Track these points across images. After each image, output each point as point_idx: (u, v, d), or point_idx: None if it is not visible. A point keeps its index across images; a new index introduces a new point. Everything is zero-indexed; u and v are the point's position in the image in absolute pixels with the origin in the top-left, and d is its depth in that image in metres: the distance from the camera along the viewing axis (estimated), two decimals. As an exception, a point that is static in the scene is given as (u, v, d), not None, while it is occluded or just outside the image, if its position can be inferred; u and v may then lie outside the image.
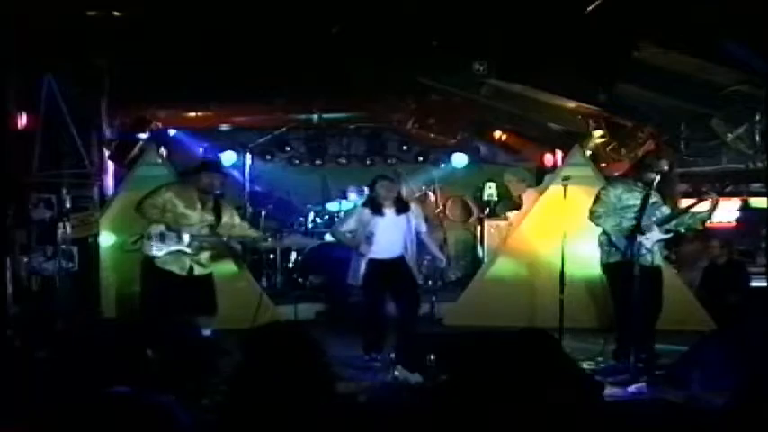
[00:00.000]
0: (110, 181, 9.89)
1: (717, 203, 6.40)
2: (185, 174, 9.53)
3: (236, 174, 11.24)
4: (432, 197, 11.68)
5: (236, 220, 6.98)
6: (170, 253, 6.55)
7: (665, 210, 6.44)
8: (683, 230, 6.65)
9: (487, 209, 11.98)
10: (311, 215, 10.91)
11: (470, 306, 8.88)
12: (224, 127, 11.83)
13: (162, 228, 6.55)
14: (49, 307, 7.07)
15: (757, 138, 8.05)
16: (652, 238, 6.34)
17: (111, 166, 9.95)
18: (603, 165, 9.83)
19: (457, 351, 5.53)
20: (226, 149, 11.37)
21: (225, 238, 6.82)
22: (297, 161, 12.30)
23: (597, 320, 8.08)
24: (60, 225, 7.21)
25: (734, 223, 10.21)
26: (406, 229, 6.88)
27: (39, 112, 7.25)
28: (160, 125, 10.78)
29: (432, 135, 12.00)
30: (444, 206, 12.07)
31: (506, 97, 9.78)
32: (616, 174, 8.62)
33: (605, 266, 6.59)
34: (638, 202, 6.39)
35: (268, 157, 11.96)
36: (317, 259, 10.21)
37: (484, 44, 8.24)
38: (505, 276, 9.00)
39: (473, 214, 12.49)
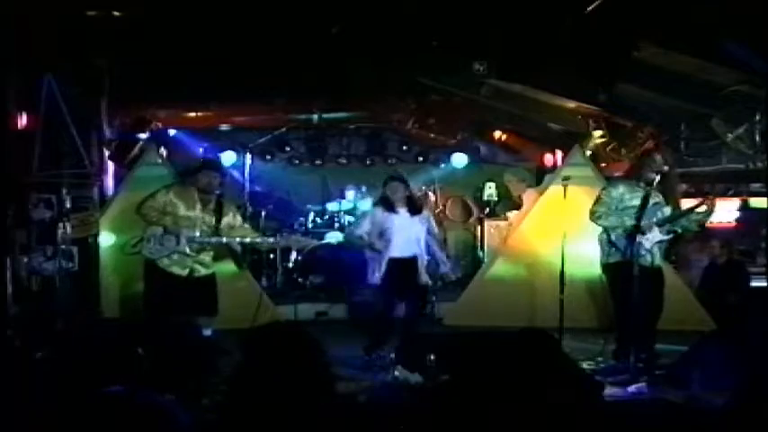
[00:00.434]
0: (110, 181, 9.89)
1: (713, 205, 6.39)
2: (184, 174, 9.55)
3: (236, 174, 11.25)
4: (432, 197, 11.69)
5: (238, 219, 6.96)
6: (170, 254, 6.54)
7: (667, 210, 6.43)
8: (679, 231, 6.64)
9: (487, 209, 11.99)
10: (311, 215, 10.91)
11: (470, 306, 8.88)
12: (224, 127, 11.83)
13: (160, 229, 6.54)
14: (49, 307, 7.07)
15: (757, 138, 8.05)
16: (652, 239, 6.34)
17: (111, 166, 9.96)
18: (603, 165, 9.83)
19: (457, 351, 5.53)
20: (226, 149, 11.37)
21: (225, 239, 6.79)
22: (297, 161, 12.30)
23: (597, 320, 8.08)
24: (60, 225, 7.20)
25: (734, 223, 10.20)
26: (419, 229, 6.90)
27: (39, 112, 7.24)
28: (160, 125, 10.78)
29: (432, 135, 12.00)
30: (444, 206, 12.08)
31: (506, 97, 9.78)
32: (616, 174, 8.63)
33: (605, 266, 6.59)
34: (639, 202, 6.39)
35: (268, 157, 11.97)
36: (317, 259, 10.21)
37: (484, 44, 8.24)
38: (505, 276, 9.00)
39: (473, 214, 12.49)
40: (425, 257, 6.95)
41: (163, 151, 10.19)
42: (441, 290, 8.68)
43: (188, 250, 6.55)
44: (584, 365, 6.28)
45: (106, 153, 9.48)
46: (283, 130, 11.82)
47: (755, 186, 9.86)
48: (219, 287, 6.91)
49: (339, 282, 9.65)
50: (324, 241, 10.45)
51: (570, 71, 8.32)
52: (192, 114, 10.81)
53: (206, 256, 6.73)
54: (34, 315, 6.91)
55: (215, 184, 6.73)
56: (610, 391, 5.56)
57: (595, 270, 6.81)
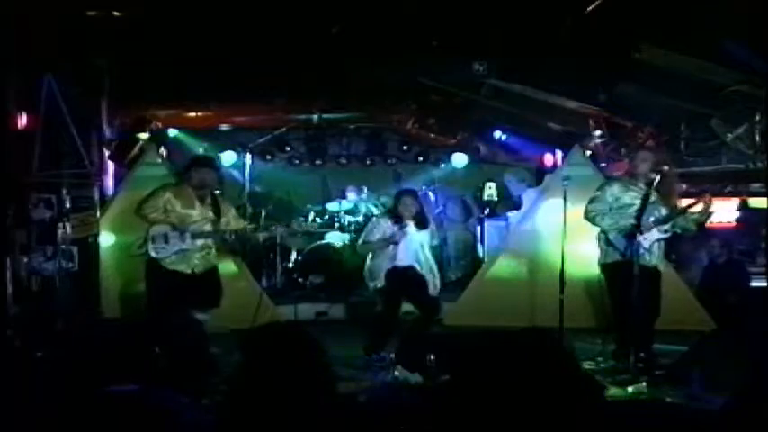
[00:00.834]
0: (110, 181, 9.89)
1: (710, 204, 6.39)
2: (178, 173, 9.53)
3: (236, 174, 11.26)
4: (432, 197, 11.70)
5: (232, 213, 7.08)
6: (175, 253, 6.59)
7: (664, 209, 6.43)
8: (678, 231, 6.64)
9: (487, 209, 11.98)
10: (311, 215, 10.92)
11: (470, 306, 8.88)
12: (224, 127, 11.83)
13: (165, 228, 6.59)
14: (49, 307, 7.07)
15: (757, 138, 8.04)
16: (650, 238, 6.33)
17: (111, 166, 9.96)
18: (603, 165, 9.83)
19: (459, 350, 5.53)
20: (226, 149, 11.37)
21: (226, 235, 6.90)
22: (297, 161, 12.30)
23: (597, 320, 8.07)
24: (60, 225, 7.20)
25: (734, 223, 10.20)
26: (423, 242, 7.06)
27: (39, 112, 7.24)
28: (160, 125, 10.78)
29: (432, 135, 12.00)
30: (444, 206, 12.08)
31: (506, 97, 9.77)
32: (615, 174, 8.63)
33: (603, 266, 6.59)
34: (635, 201, 6.39)
35: (268, 157, 11.97)
36: (317, 259, 10.22)
37: (484, 44, 8.23)
38: (505, 276, 9.00)
39: (473, 214, 12.49)
40: (427, 266, 7.06)
41: (163, 151, 10.19)
42: (441, 290, 8.67)
43: (192, 247, 6.61)
44: (584, 365, 6.28)
45: (106, 153, 9.48)
46: (283, 130, 11.82)
47: (755, 186, 9.85)
48: (219, 287, 6.95)
49: (339, 282, 9.66)
50: (324, 241, 10.47)
51: (570, 71, 8.32)
52: (192, 114, 10.80)
53: (209, 253, 6.80)
54: (34, 315, 6.91)
55: (208, 181, 6.79)
56: (610, 391, 5.56)
57: (595, 270, 6.81)
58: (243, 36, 7.84)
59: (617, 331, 6.54)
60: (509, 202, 11.97)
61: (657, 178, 6.27)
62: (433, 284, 7.07)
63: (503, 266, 9.11)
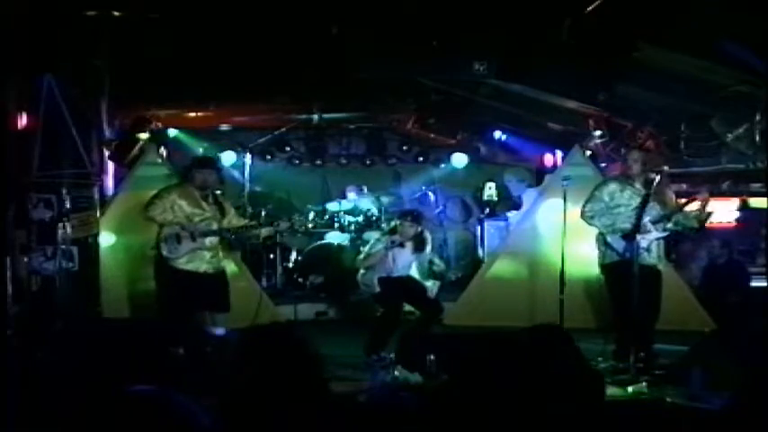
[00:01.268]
0: (110, 181, 9.89)
1: (707, 202, 6.38)
2: (179, 173, 9.52)
3: (236, 174, 11.25)
4: (432, 197, 11.71)
5: (233, 212, 7.23)
6: (187, 253, 6.68)
7: (660, 209, 6.42)
8: (680, 230, 6.63)
9: (487, 209, 11.98)
10: (311, 215, 10.91)
11: (470, 306, 8.89)
12: (224, 127, 11.83)
13: (176, 229, 6.69)
14: (49, 307, 7.07)
15: (757, 138, 8.04)
16: (648, 238, 6.33)
17: (111, 166, 9.95)
18: (603, 165, 9.83)
19: (463, 350, 5.53)
20: (226, 149, 11.37)
21: (231, 234, 7.01)
22: (297, 161, 12.30)
23: (597, 320, 8.08)
24: (60, 225, 7.20)
25: (734, 223, 10.21)
26: (420, 261, 7.28)
27: (39, 112, 7.24)
28: (160, 125, 10.78)
29: (432, 135, 12.00)
30: (444, 206, 12.08)
31: (506, 97, 9.77)
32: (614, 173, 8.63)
33: (602, 267, 6.60)
34: (631, 201, 6.40)
35: (268, 157, 11.96)
36: (317, 259, 10.22)
37: (484, 44, 8.23)
38: (505, 276, 9.01)
39: (473, 214, 12.49)
40: (423, 273, 7.30)
41: (163, 151, 10.19)
42: (441, 290, 8.68)
43: (203, 246, 6.72)
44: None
45: (106, 153, 9.48)
46: (283, 130, 11.82)
47: (755, 186, 9.85)
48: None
49: (339, 282, 9.66)
50: (324, 241, 10.46)
51: (570, 71, 8.31)
52: (192, 114, 10.80)
53: (217, 253, 6.92)
54: (34, 315, 6.91)
55: (210, 181, 6.93)
56: (610, 391, 5.56)
57: (595, 270, 6.81)
58: (243, 36, 7.84)
59: (617, 331, 6.54)
60: (509, 202, 11.97)
61: (655, 177, 6.26)
62: (432, 288, 7.13)
63: (503, 266, 9.11)
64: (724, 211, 9.97)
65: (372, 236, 8.64)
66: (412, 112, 11.35)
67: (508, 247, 9.39)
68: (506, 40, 8.04)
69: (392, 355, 6.50)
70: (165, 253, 6.69)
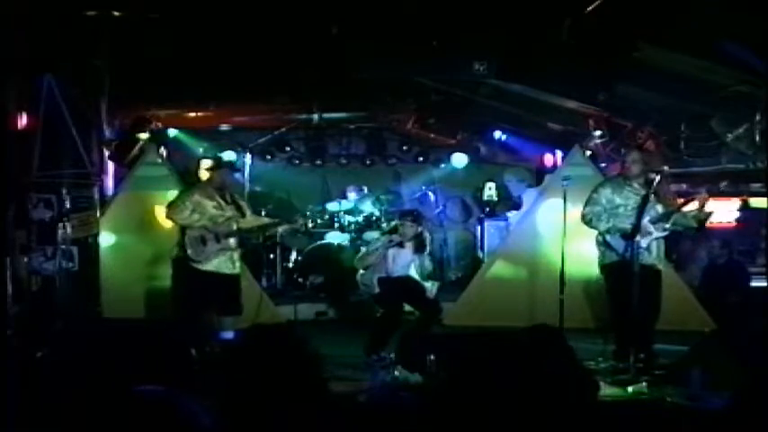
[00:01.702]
0: (110, 181, 9.89)
1: (706, 202, 6.38)
2: (185, 173, 9.54)
3: (236, 174, 11.24)
4: (432, 197, 11.71)
5: (250, 211, 7.26)
6: (212, 254, 6.73)
7: (659, 209, 6.42)
8: (680, 230, 6.63)
9: (487, 209, 11.98)
10: (311, 215, 10.90)
11: (470, 306, 8.89)
12: (224, 127, 11.82)
13: (201, 231, 6.72)
14: (49, 307, 7.07)
15: (757, 138, 8.04)
16: (647, 238, 6.32)
17: (111, 166, 9.95)
18: (603, 165, 9.83)
19: (462, 350, 5.53)
20: (226, 149, 11.37)
21: (252, 233, 7.19)
22: (297, 161, 12.29)
23: (597, 320, 8.07)
24: (60, 225, 7.20)
25: (734, 223, 10.21)
26: (420, 261, 7.25)
27: (39, 112, 7.24)
28: (160, 125, 10.78)
29: (432, 135, 12.00)
30: (444, 206, 12.08)
31: (506, 97, 9.77)
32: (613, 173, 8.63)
33: (602, 267, 6.60)
34: (628, 202, 6.40)
35: (268, 157, 11.96)
36: (317, 259, 10.21)
37: (484, 44, 8.23)
38: (505, 276, 9.01)
39: (473, 214, 12.49)
40: (422, 274, 7.23)
41: (163, 151, 10.19)
42: (441, 290, 8.68)
43: (227, 246, 6.79)
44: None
45: (106, 153, 9.48)
46: (283, 130, 11.82)
47: (755, 186, 9.85)
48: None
49: (339, 282, 9.65)
50: (324, 241, 10.46)
51: (570, 71, 8.31)
52: (192, 114, 10.80)
53: (238, 253, 6.98)
54: (34, 315, 6.91)
55: (228, 181, 7.03)
56: (610, 391, 5.56)
57: (595, 270, 6.81)
58: (243, 36, 7.84)
59: (616, 331, 6.53)
60: (509, 202, 11.97)
61: (655, 178, 6.25)
62: (429, 288, 7.13)
63: (503, 266, 9.11)
64: (724, 211, 9.96)
65: (372, 236, 8.65)
66: (412, 112, 11.34)
67: (508, 247, 9.39)
68: (506, 40, 8.05)
69: (392, 355, 6.49)
70: (190, 255, 6.71)
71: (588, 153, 9.65)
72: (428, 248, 7.29)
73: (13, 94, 7.12)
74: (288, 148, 12.15)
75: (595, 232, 6.60)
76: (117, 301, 8.19)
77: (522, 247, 9.05)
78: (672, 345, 6.67)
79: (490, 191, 12.07)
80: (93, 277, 7.71)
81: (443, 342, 6.28)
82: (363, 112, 11.47)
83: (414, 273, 7.20)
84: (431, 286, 7.20)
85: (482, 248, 11.32)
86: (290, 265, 10.49)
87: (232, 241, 6.83)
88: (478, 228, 11.71)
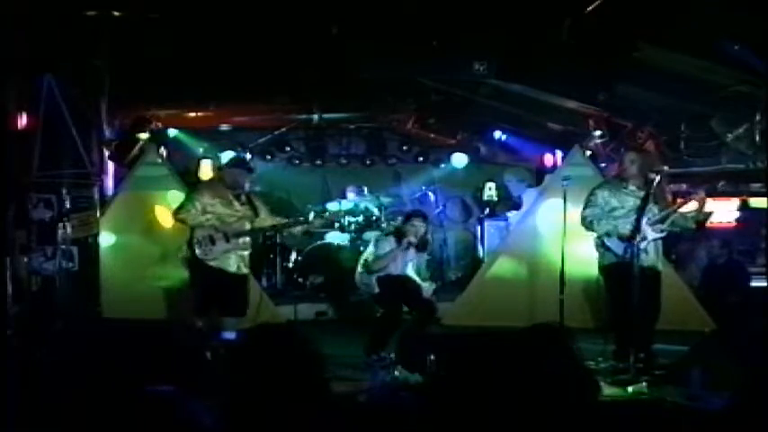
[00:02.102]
0: (110, 181, 9.89)
1: (704, 202, 6.38)
2: (185, 173, 9.54)
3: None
4: (432, 197, 11.71)
5: (267, 210, 7.21)
6: (221, 253, 6.68)
7: (657, 209, 6.41)
8: (678, 230, 6.62)
9: (487, 209, 11.98)
10: (311, 215, 10.90)
11: (470, 306, 8.88)
12: (224, 127, 11.83)
13: (210, 230, 6.67)
14: (49, 307, 7.07)
15: (757, 138, 8.04)
16: (645, 239, 6.32)
17: (111, 166, 9.95)
18: (603, 165, 9.83)
19: (462, 350, 5.52)
20: (226, 149, 11.37)
21: (269, 233, 7.03)
22: (297, 161, 12.30)
23: (597, 320, 8.07)
24: (60, 225, 7.20)
25: (734, 223, 10.21)
26: (417, 261, 7.30)
27: (39, 112, 7.24)
28: (160, 125, 10.78)
29: (432, 135, 12.00)
30: (444, 206, 12.08)
31: (506, 97, 9.77)
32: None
33: (601, 269, 6.60)
34: (626, 203, 6.40)
35: (268, 157, 11.96)
36: (317, 259, 10.22)
37: (484, 44, 8.23)
38: (505, 276, 9.00)
39: (473, 214, 12.49)
40: (419, 274, 7.26)
41: (163, 151, 10.20)
42: (441, 290, 8.68)
43: (237, 246, 6.73)
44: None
45: (106, 153, 9.48)
46: (283, 130, 11.82)
47: (755, 186, 9.86)
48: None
49: (339, 282, 9.65)
50: (324, 241, 10.46)
51: (570, 71, 8.32)
52: (192, 114, 10.80)
53: (248, 253, 6.93)
54: (34, 315, 6.91)
55: (241, 181, 6.92)
56: (610, 391, 5.56)
57: (595, 270, 6.81)
58: (243, 36, 7.84)
59: (616, 332, 6.53)
60: (509, 202, 11.97)
61: (655, 178, 6.25)
62: (426, 288, 7.13)
63: (503, 266, 9.11)
64: (724, 211, 9.97)
65: (372, 236, 8.63)
66: (412, 112, 11.35)
67: (508, 247, 9.39)
68: (506, 40, 8.05)
69: (392, 355, 6.49)
70: (198, 254, 6.67)
71: (588, 153, 9.65)
72: (429, 249, 7.30)
73: (13, 94, 7.12)
74: (288, 148, 12.15)
75: (594, 233, 6.60)
76: (117, 301, 8.18)
77: (522, 247, 9.05)
78: (672, 345, 6.67)
79: (490, 191, 12.07)
80: (93, 277, 7.70)
81: (443, 342, 6.27)
82: (363, 112, 11.47)
83: (411, 272, 7.18)
84: (428, 286, 7.19)
85: (482, 248, 11.32)
86: (290, 265, 10.49)
87: (243, 241, 6.78)
88: (478, 228, 11.71)
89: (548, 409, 2.02)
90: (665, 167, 6.66)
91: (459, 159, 11.95)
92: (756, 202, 10.02)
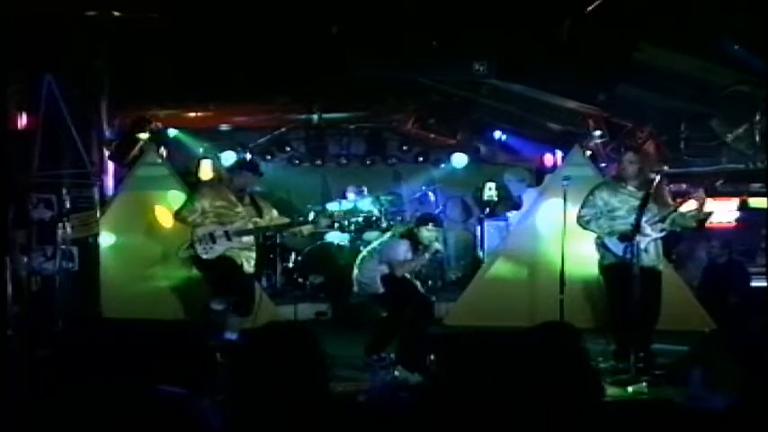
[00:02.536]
0: (110, 181, 9.89)
1: (704, 201, 6.38)
2: (185, 173, 9.53)
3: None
4: (432, 197, 11.70)
5: (274, 212, 7.25)
6: (223, 252, 6.71)
7: (656, 209, 6.41)
8: (678, 230, 6.62)
9: (487, 209, 11.98)
10: (311, 215, 10.89)
11: (470, 306, 8.88)
12: (224, 127, 11.83)
13: (211, 229, 6.69)
14: (49, 307, 7.07)
15: (757, 138, 8.04)
16: (645, 239, 6.32)
17: (111, 166, 9.95)
18: (603, 165, 9.83)
19: (463, 350, 5.52)
20: (226, 149, 11.37)
21: (269, 231, 7.19)
22: (297, 161, 12.30)
23: (597, 320, 8.07)
24: (60, 225, 7.20)
25: (734, 223, 10.21)
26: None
27: (39, 112, 7.24)
28: (160, 125, 10.78)
29: (432, 135, 12.00)
30: (444, 206, 12.08)
31: (506, 97, 9.77)
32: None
33: (601, 269, 6.60)
34: (624, 203, 6.40)
35: (268, 157, 11.96)
36: (317, 259, 10.21)
37: (484, 44, 8.23)
38: (505, 276, 9.00)
39: (473, 214, 12.49)
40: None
41: (163, 151, 10.20)
42: (441, 290, 8.68)
43: (239, 246, 6.75)
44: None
45: (106, 153, 9.48)
46: (283, 130, 11.82)
47: (755, 186, 9.85)
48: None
49: (339, 282, 9.64)
50: (324, 241, 10.46)
51: (570, 71, 8.32)
52: (192, 114, 10.80)
53: (252, 252, 6.94)
54: (34, 315, 6.91)
55: (248, 184, 7.00)
56: (610, 391, 5.56)
57: (595, 270, 6.81)
58: (243, 36, 7.84)
59: (615, 332, 6.53)
60: (509, 202, 11.97)
61: (655, 178, 6.25)
62: (424, 288, 7.14)
63: (503, 266, 9.10)
64: (724, 211, 9.97)
65: (372, 236, 8.61)
66: (412, 112, 11.35)
67: (508, 247, 9.38)
68: (506, 40, 8.05)
69: (392, 355, 6.49)
70: (201, 254, 6.70)
71: (588, 153, 9.65)
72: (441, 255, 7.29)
73: (13, 94, 7.12)
74: (288, 148, 12.15)
75: (594, 233, 6.59)
76: (117, 301, 8.18)
77: (522, 247, 9.05)
78: (672, 345, 6.67)
79: (490, 191, 12.06)
80: (94, 277, 7.70)
81: (443, 342, 6.27)
82: (363, 112, 11.47)
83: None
84: (419, 286, 7.18)
85: (482, 248, 11.32)
86: (290, 265, 10.49)
87: (245, 240, 6.80)
88: (478, 228, 11.70)
89: (558, 405, 2.02)
90: (665, 167, 6.64)
91: (459, 159, 11.95)
92: (756, 202, 10.01)
